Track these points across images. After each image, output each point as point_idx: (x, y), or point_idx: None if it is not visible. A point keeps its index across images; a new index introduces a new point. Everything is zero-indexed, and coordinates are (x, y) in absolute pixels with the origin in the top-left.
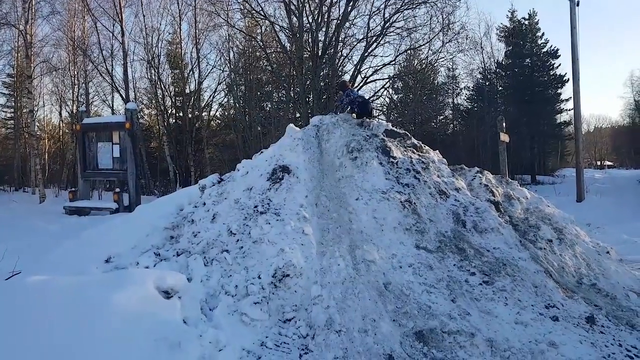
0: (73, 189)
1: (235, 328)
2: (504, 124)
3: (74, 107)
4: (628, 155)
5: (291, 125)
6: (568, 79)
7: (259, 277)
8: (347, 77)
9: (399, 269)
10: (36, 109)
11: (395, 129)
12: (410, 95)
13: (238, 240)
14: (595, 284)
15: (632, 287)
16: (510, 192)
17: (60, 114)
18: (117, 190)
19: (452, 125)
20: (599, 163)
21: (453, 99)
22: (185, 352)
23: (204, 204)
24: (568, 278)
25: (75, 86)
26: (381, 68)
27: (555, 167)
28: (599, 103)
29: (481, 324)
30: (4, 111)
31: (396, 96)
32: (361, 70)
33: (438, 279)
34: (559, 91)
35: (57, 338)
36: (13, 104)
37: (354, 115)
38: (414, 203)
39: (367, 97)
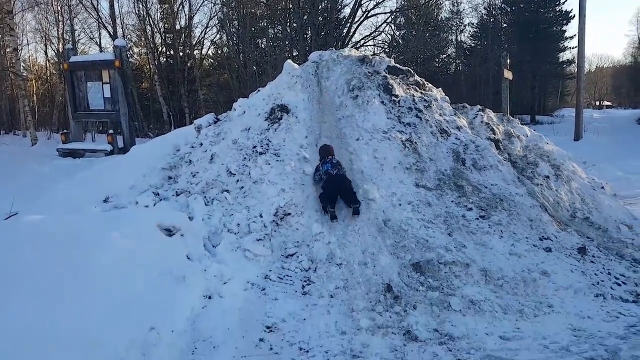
0: (65, 131)
1: (239, 263)
2: (508, 61)
3: (60, 46)
4: (627, 95)
5: (289, 61)
6: (574, 15)
7: (261, 216)
8: (347, 11)
9: (398, 207)
10: (20, 48)
11: (398, 66)
12: (413, 32)
13: (238, 180)
14: (588, 218)
15: (624, 220)
16: (510, 130)
17: (45, 52)
18: (111, 132)
19: (454, 64)
20: (597, 103)
21: (456, 36)
22: (190, 285)
23: (201, 144)
24: (562, 212)
25: (60, 22)
26: (383, 1)
27: (555, 107)
28: (602, 42)
29: (476, 255)
30: None
31: (398, 32)
32: (362, 3)
33: (436, 214)
34: (563, 28)
35: (57, 275)
36: None
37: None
38: (415, 142)
39: (340, 171)
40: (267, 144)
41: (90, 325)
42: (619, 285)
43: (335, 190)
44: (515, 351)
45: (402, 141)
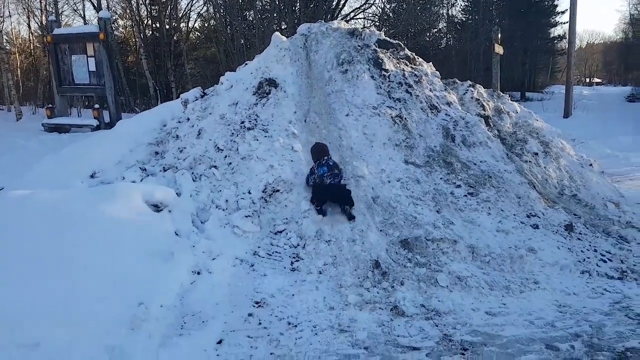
0: (50, 106)
1: (228, 239)
2: (499, 35)
3: (43, 18)
4: (617, 72)
5: (277, 33)
6: None
7: (249, 192)
8: None
9: (387, 184)
10: (2, 20)
11: (388, 39)
12: (404, 5)
13: (226, 156)
14: (576, 195)
15: (611, 198)
16: (500, 106)
17: (29, 25)
18: (97, 106)
19: (445, 38)
20: (588, 80)
21: (448, 10)
22: (178, 261)
23: (188, 119)
24: (550, 189)
25: None
26: None
27: (545, 83)
28: (594, 18)
29: (464, 232)
30: None
31: (389, 5)
32: None
33: (425, 191)
34: (555, 2)
35: (44, 250)
36: None
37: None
38: (405, 118)
39: (336, 178)
40: (255, 119)
41: (78, 300)
42: (605, 262)
43: (328, 198)
44: (501, 326)
45: (392, 117)
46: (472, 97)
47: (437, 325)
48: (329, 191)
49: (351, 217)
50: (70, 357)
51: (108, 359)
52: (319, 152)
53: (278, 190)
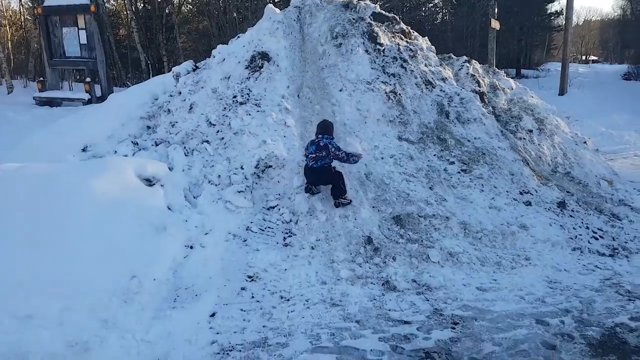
0: (42, 79)
1: (220, 214)
2: (496, 10)
3: None
4: (614, 50)
5: (270, 6)
6: None
7: (242, 168)
8: None
9: (380, 160)
10: None
11: (384, 12)
12: None
13: (218, 131)
14: (569, 173)
15: (605, 176)
16: (495, 82)
17: None
18: (88, 80)
19: (441, 13)
20: (584, 58)
21: None
22: (171, 235)
23: (180, 93)
24: (544, 166)
25: None
26: None
27: (541, 60)
28: None
29: (456, 209)
30: None
31: None
32: None
33: (418, 168)
34: None
35: (37, 223)
36: None
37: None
38: (399, 94)
39: (319, 162)
40: (247, 94)
41: (71, 273)
42: (597, 239)
43: (309, 180)
44: (492, 302)
45: (386, 93)
46: (467, 73)
47: (428, 300)
48: (308, 173)
49: (337, 205)
50: (63, 328)
51: (101, 330)
52: (320, 128)
53: (271, 166)
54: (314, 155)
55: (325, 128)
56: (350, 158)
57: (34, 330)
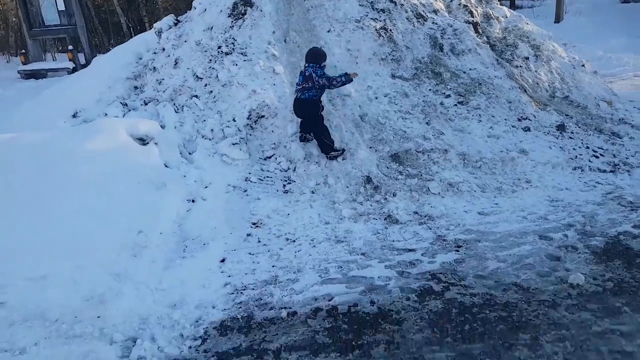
0: (23, 52)
1: (218, 168)
2: None
3: None
4: None
5: None
6: None
7: (234, 120)
8: None
9: (374, 100)
10: None
11: None
12: None
13: (206, 84)
14: (568, 96)
15: (604, 97)
16: (489, 12)
17: None
18: (71, 48)
19: None
20: None
21: None
22: (172, 191)
23: (163, 49)
24: (542, 92)
25: None
26: None
27: None
28: None
29: (454, 141)
30: None
31: None
32: None
33: (413, 105)
34: None
35: (36, 189)
36: None
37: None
38: (390, 30)
39: (306, 93)
40: (232, 43)
41: (78, 234)
42: (597, 157)
43: (297, 114)
44: (494, 224)
45: (376, 30)
46: (459, 4)
47: (430, 229)
48: (295, 106)
49: (330, 159)
50: (77, 285)
51: (114, 284)
52: (308, 56)
53: (263, 116)
54: (300, 87)
55: (313, 55)
56: (333, 81)
57: (49, 290)
